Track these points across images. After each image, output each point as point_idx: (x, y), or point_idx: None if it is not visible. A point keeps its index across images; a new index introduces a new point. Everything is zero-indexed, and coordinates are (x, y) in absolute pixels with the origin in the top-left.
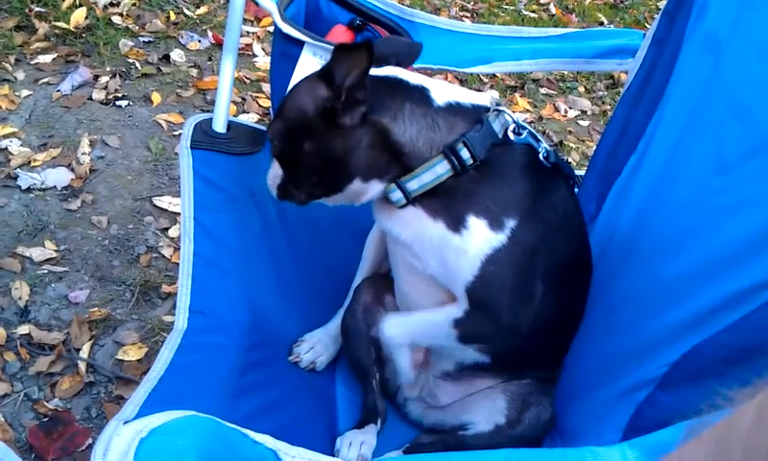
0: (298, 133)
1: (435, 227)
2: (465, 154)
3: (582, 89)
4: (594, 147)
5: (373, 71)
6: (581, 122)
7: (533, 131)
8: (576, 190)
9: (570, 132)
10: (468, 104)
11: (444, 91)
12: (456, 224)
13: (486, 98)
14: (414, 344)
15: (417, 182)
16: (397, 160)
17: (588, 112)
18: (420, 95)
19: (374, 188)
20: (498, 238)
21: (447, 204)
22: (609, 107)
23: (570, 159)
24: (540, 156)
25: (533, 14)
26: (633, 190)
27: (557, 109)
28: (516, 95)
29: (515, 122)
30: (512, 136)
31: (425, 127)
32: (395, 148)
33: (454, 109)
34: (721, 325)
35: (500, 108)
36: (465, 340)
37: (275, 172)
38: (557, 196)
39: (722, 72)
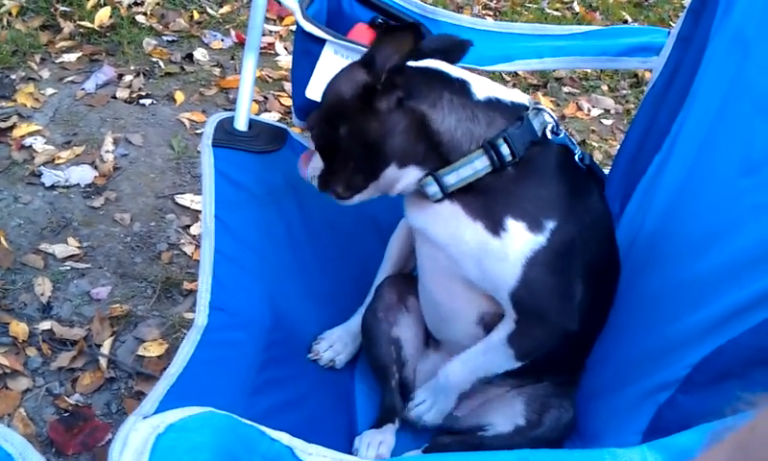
0: (334, 118)
1: (474, 227)
2: (505, 150)
3: (605, 88)
4: (618, 146)
5: (415, 63)
6: (604, 121)
7: (566, 134)
8: None
9: (593, 131)
10: (507, 101)
11: (484, 86)
12: (495, 226)
13: (524, 97)
14: (475, 379)
15: (455, 176)
16: (435, 151)
17: (612, 111)
18: (461, 87)
19: (411, 176)
20: (538, 240)
21: (485, 203)
22: (632, 105)
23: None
24: (576, 157)
25: (556, 13)
26: (658, 190)
27: (580, 108)
28: (539, 94)
29: (554, 121)
30: (549, 136)
31: (465, 118)
32: (433, 137)
33: (494, 105)
34: (745, 326)
35: (540, 106)
36: (523, 357)
37: (315, 163)
38: (591, 198)
39: (749, 70)
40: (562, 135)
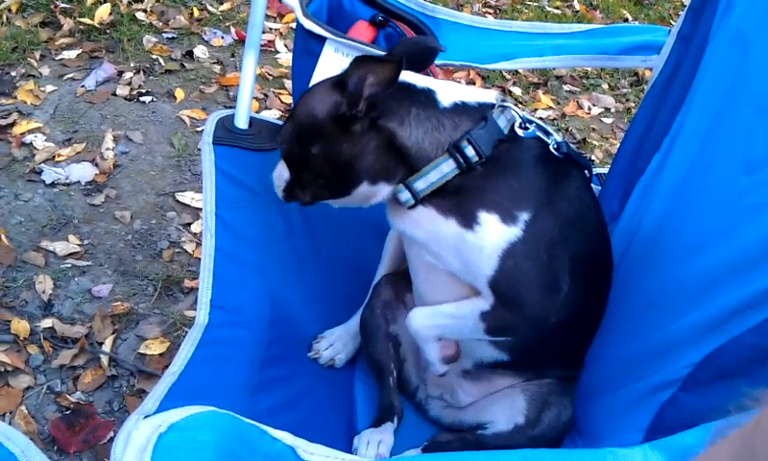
0: (306, 136)
1: (448, 225)
2: (470, 151)
3: (606, 86)
4: (618, 145)
5: None
6: (604, 119)
7: (541, 124)
8: (599, 187)
9: (594, 129)
10: (473, 102)
11: (450, 92)
12: (468, 221)
13: (491, 95)
14: (441, 336)
15: (424, 182)
16: (404, 162)
17: (612, 110)
18: (427, 98)
19: (383, 191)
20: (513, 231)
21: (457, 202)
22: (633, 104)
23: (593, 157)
24: (551, 147)
25: (556, 11)
26: (657, 189)
27: (580, 107)
28: (540, 92)
29: (521, 117)
30: (519, 132)
31: (431, 128)
32: (401, 151)
33: (459, 109)
34: (746, 325)
35: (505, 103)
36: (493, 333)
37: (280, 172)
38: (571, 186)
39: (749, 69)
40: (531, 129)
